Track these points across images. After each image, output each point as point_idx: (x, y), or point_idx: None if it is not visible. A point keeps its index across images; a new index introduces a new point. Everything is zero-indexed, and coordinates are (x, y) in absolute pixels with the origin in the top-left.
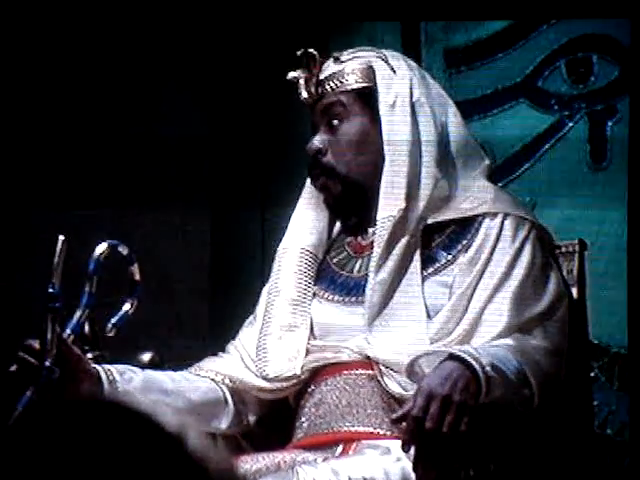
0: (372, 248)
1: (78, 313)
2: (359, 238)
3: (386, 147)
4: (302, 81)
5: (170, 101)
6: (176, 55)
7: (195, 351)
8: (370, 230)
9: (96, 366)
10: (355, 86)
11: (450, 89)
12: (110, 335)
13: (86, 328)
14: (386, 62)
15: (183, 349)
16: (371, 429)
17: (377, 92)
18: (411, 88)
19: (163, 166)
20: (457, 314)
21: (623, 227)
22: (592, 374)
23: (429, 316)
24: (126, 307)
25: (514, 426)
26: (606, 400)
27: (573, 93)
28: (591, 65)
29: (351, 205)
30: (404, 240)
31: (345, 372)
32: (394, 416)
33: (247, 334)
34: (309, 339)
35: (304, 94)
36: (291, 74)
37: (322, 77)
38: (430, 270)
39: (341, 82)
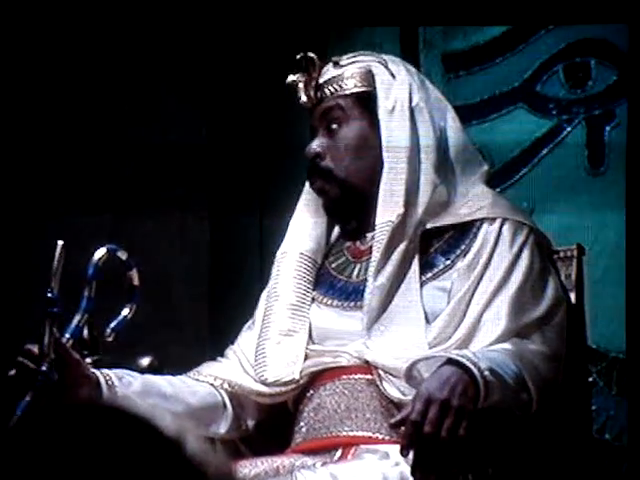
0: (371, 253)
1: (77, 318)
2: (358, 243)
3: (385, 152)
4: (301, 85)
5: (169, 106)
6: (175, 61)
7: (194, 356)
8: (369, 235)
9: (95, 371)
10: (354, 90)
11: (448, 94)
12: (109, 340)
13: (85, 333)
14: (386, 67)
15: (182, 354)
16: (370, 434)
17: (376, 97)
18: (410, 93)
19: (162, 172)
20: (455, 319)
21: (621, 232)
22: (590, 379)
23: (428, 321)
24: (125, 312)
25: (512, 431)
26: (604, 405)
27: (571, 98)
28: (589, 70)
29: (349, 209)
30: (403, 245)
31: (344, 377)
32: (393, 421)
33: (246, 339)
34: (308, 344)
35: (303, 98)
36: (290, 78)
37: (321, 81)
38: (429, 275)
39: (340, 86)
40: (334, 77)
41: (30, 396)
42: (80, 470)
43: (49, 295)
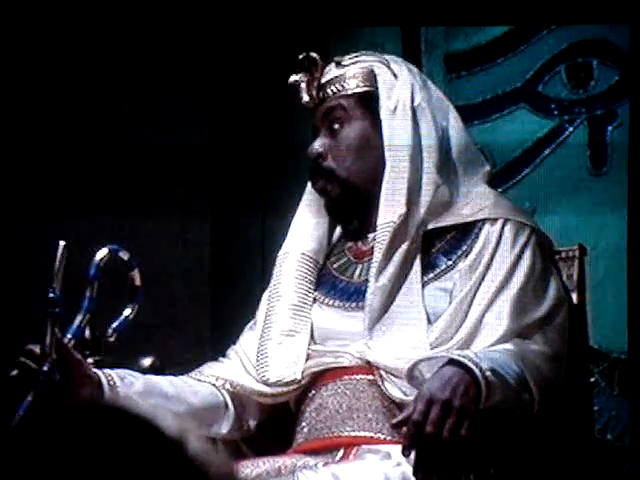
0: (372, 253)
1: (79, 318)
2: (359, 243)
3: (387, 152)
4: (303, 85)
5: (170, 107)
6: (176, 61)
7: (195, 356)
8: (370, 235)
9: (97, 371)
10: (356, 90)
11: (450, 94)
12: (111, 340)
13: (87, 333)
14: (388, 67)
15: (183, 354)
16: (371, 434)
17: (378, 97)
18: (412, 93)
19: (163, 172)
20: (457, 319)
21: (623, 232)
22: (592, 379)
23: (429, 321)
24: (127, 312)
25: (514, 431)
26: (606, 405)
27: (573, 98)
28: (591, 70)
29: (351, 210)
30: (404, 246)
31: (345, 377)
32: (394, 421)
33: (247, 339)
34: (309, 344)
35: (305, 98)
36: (292, 78)
37: (323, 81)
38: (430, 275)
39: (342, 86)
40: (336, 77)
41: (32, 396)
42: (82, 470)
43: (51, 295)
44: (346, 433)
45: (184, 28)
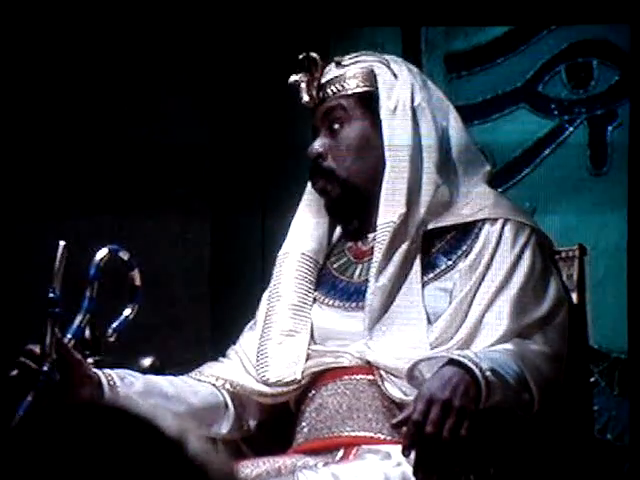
0: (372, 253)
1: (79, 318)
2: (359, 243)
3: (387, 152)
4: (303, 84)
5: (170, 106)
6: (176, 60)
7: (195, 356)
8: (370, 235)
9: (97, 371)
10: (356, 90)
11: (450, 94)
12: (111, 340)
13: (87, 333)
14: (388, 67)
15: (183, 354)
16: (371, 434)
17: (378, 97)
18: (412, 93)
19: (163, 172)
20: (457, 319)
21: (623, 232)
22: (592, 379)
23: (429, 321)
24: (127, 312)
25: (514, 431)
26: (606, 405)
27: (573, 98)
28: (591, 70)
29: (351, 210)
30: (404, 246)
31: (345, 377)
32: (394, 421)
33: (247, 339)
34: (309, 344)
35: (305, 98)
36: (292, 77)
37: (323, 81)
38: (430, 275)
39: (342, 86)
40: (336, 77)
41: (32, 396)
42: (82, 470)
43: (51, 295)
44: (346, 433)
45: (184, 28)
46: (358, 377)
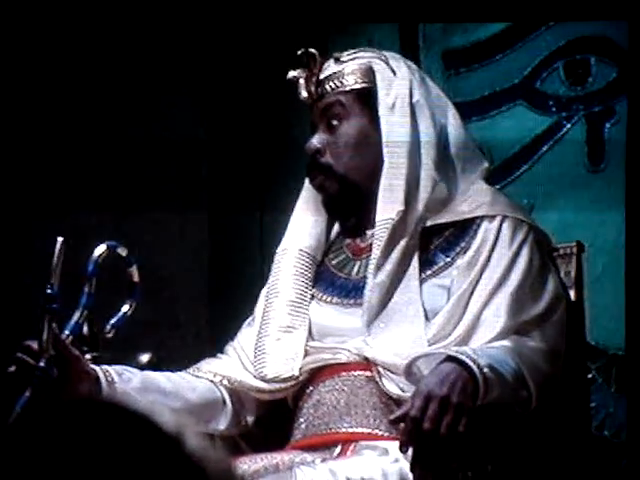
0: (370, 250)
1: (77, 314)
2: (358, 240)
3: (385, 148)
4: (302, 80)
5: (169, 103)
6: (174, 57)
7: (194, 352)
8: (368, 232)
9: (94, 367)
10: (355, 87)
11: (448, 91)
12: (109, 336)
13: (85, 329)
14: (386, 63)
15: (182, 350)
16: (369, 430)
17: (377, 93)
18: (411, 90)
19: (162, 168)
20: (455, 316)
21: (621, 229)
22: (590, 376)
23: (427, 318)
24: (125, 308)
25: (512, 427)
26: (604, 402)
27: (571, 95)
28: (589, 67)
29: (349, 206)
30: (403, 242)
31: (343, 373)
32: (392, 417)
33: (245, 335)
34: (307, 341)
35: (304, 94)
36: (291, 73)
37: (322, 77)
38: (428, 272)
39: (341, 82)
40: (335, 73)
41: (29, 392)
42: (79, 466)
43: (49, 291)
44: (344, 429)
45: (182, 26)
46: (356, 373)
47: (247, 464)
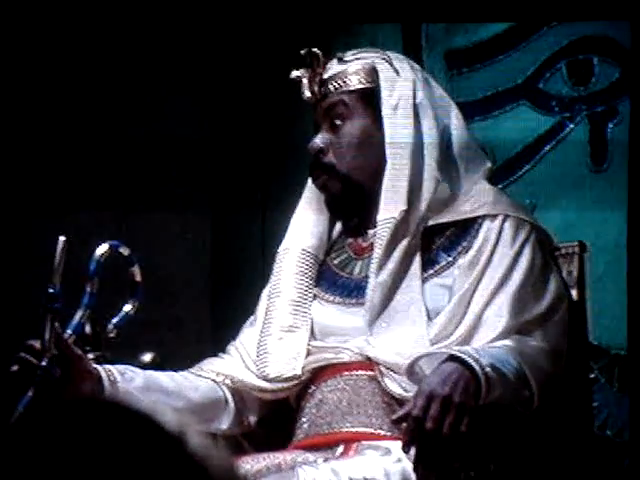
0: (372, 250)
1: (79, 313)
2: (359, 240)
3: (388, 149)
4: (305, 80)
5: (171, 102)
6: (177, 56)
7: (196, 352)
8: (370, 232)
9: (97, 366)
10: (358, 87)
11: (451, 91)
12: (111, 336)
13: (87, 328)
14: (390, 64)
15: (183, 350)
16: (372, 430)
17: (380, 93)
18: (414, 90)
19: (164, 168)
20: (457, 316)
21: (623, 229)
22: (592, 375)
23: (429, 317)
24: (127, 308)
25: (514, 427)
26: (606, 401)
27: (574, 95)
28: (592, 67)
29: (351, 206)
30: (405, 242)
31: (345, 373)
32: (394, 417)
33: (248, 335)
34: (309, 340)
35: (307, 93)
36: (294, 73)
37: (325, 77)
38: (430, 272)
39: (344, 82)
40: (338, 73)
41: (32, 391)
42: (82, 466)
43: (51, 291)
44: (346, 429)
45: (185, 26)
46: (358, 373)
47: (249, 464)
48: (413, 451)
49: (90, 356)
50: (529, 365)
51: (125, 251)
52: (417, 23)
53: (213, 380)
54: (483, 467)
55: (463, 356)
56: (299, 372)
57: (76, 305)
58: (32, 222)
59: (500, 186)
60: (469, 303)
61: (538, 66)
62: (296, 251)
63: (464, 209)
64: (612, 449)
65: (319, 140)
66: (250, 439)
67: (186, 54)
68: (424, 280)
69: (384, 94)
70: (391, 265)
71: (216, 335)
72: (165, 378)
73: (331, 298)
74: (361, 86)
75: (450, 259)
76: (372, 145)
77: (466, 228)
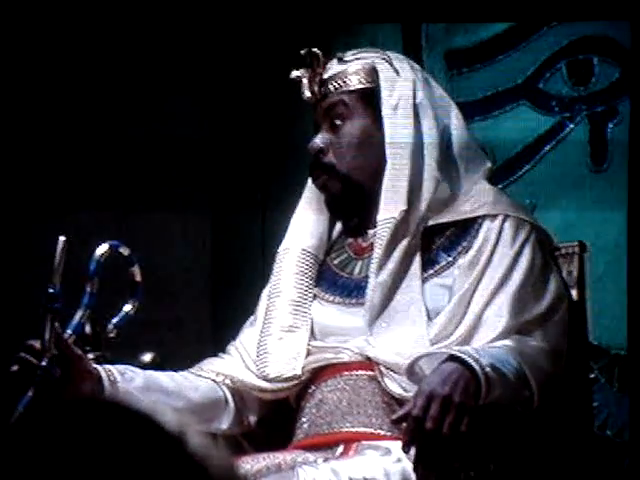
0: (372, 250)
1: (79, 313)
2: (359, 240)
3: (388, 149)
4: (305, 80)
5: (171, 102)
6: (177, 56)
7: (196, 352)
8: (370, 232)
9: (97, 366)
10: (358, 87)
11: (451, 91)
12: (111, 336)
13: (87, 328)
14: (390, 64)
15: (183, 350)
16: (372, 430)
17: (380, 93)
18: (414, 90)
19: (164, 168)
20: (457, 316)
21: (623, 229)
22: (592, 375)
23: (429, 318)
24: (127, 308)
25: (514, 427)
26: (606, 401)
27: (574, 95)
28: (592, 67)
29: (351, 206)
30: (405, 242)
31: (345, 373)
32: (394, 417)
33: (248, 335)
34: (309, 340)
35: (307, 93)
36: (294, 73)
37: (325, 77)
38: (430, 272)
39: (344, 82)
40: (338, 73)
41: (32, 391)
42: (82, 466)
43: (51, 291)
44: (346, 429)
45: (185, 26)
46: (358, 373)
47: (249, 464)
48: (413, 451)
49: (90, 356)
50: (529, 365)
51: (125, 251)
52: (417, 23)
53: (213, 380)
54: (483, 467)
55: (463, 356)
56: (299, 372)
57: (76, 305)
58: (32, 222)
59: (500, 186)
60: (469, 303)
61: (538, 66)
62: (296, 251)
63: (464, 209)
64: (612, 449)
65: (319, 140)
66: (250, 439)
67: (186, 54)
68: (424, 280)
69: (384, 94)
70: (391, 265)
71: (216, 335)
72: (165, 378)
73: (331, 298)
74: (361, 86)
75: (450, 259)
76: (372, 145)
77: (466, 228)
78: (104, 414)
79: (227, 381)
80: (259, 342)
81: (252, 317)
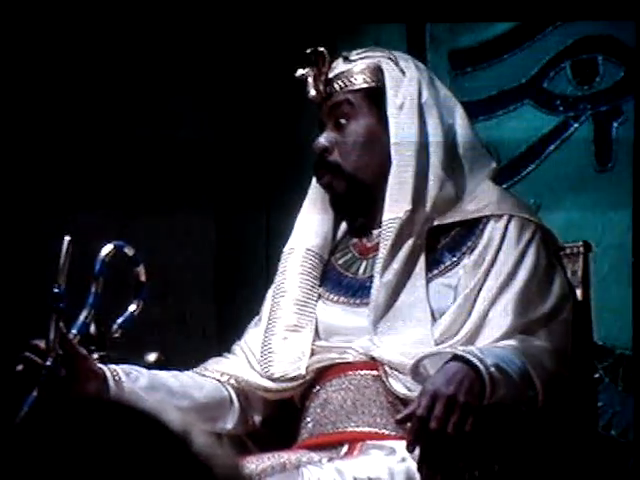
0: (377, 250)
1: (84, 313)
2: (364, 239)
3: (393, 148)
4: (310, 79)
5: (175, 103)
6: (181, 57)
7: (200, 352)
8: (375, 232)
9: (102, 366)
10: (363, 86)
11: (455, 90)
12: (116, 336)
13: (92, 328)
14: (395, 63)
15: (188, 350)
16: (376, 429)
17: (385, 93)
18: (419, 90)
19: (168, 168)
20: (462, 316)
21: (628, 228)
22: (597, 375)
23: (434, 318)
24: (132, 308)
25: (518, 427)
26: (610, 401)
27: (578, 94)
28: (596, 66)
29: (356, 205)
30: (410, 242)
31: (350, 373)
32: (399, 416)
33: (252, 335)
34: (314, 340)
35: (312, 92)
36: (300, 72)
37: (331, 76)
38: (435, 272)
39: (350, 81)
40: (343, 72)
41: (37, 391)
42: (87, 466)
43: (56, 291)
44: (350, 429)
45: (189, 27)
46: (363, 373)
47: (254, 463)
48: (417, 451)
49: (95, 356)
50: (533, 365)
51: (130, 251)
52: (421, 23)
53: (218, 380)
54: (487, 467)
55: (468, 356)
56: (303, 372)
57: (81, 305)
58: (36, 222)
59: (504, 186)
60: (474, 303)
61: (542, 66)
62: (301, 251)
63: (469, 209)
64: (617, 449)
65: (324, 139)
66: (255, 439)
67: (189, 55)
68: (429, 280)
69: (389, 94)
70: (396, 265)
71: (220, 335)
72: (170, 378)
73: (336, 298)
74: (366, 85)
75: (455, 259)
76: (377, 144)
77: (471, 228)
78: (109, 414)
79: (232, 381)
80: (264, 341)
81: (257, 317)
